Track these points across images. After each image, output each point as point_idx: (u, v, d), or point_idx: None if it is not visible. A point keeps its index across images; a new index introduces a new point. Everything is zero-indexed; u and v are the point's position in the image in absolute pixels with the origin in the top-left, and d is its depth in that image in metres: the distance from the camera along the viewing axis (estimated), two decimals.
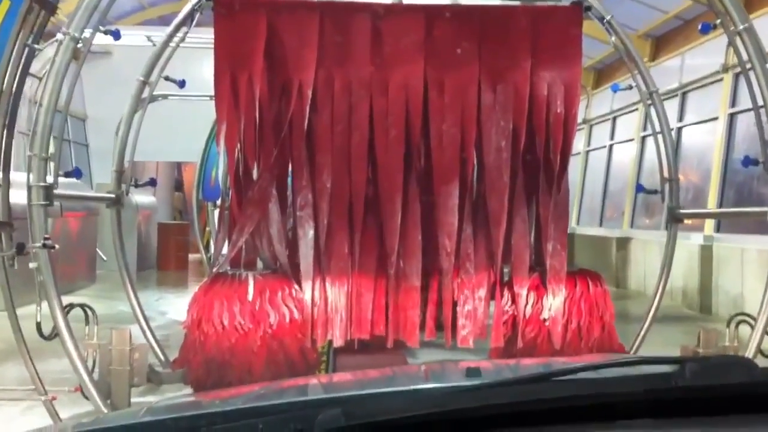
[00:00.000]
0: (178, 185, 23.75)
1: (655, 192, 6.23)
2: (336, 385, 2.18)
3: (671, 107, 12.26)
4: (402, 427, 1.34)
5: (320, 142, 5.17)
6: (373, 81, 5.17)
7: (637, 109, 14.95)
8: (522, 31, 5.24)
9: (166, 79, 6.04)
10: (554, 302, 5.10)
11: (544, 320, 5.11)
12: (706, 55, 12.35)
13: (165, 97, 11.48)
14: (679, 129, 13.17)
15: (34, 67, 7.95)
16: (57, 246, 4.57)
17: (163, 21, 17.08)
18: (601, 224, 17.23)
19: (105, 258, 13.07)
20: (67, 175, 5.37)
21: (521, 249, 5.25)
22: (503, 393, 1.42)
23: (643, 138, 14.69)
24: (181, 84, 6.27)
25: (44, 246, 4.42)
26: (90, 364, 4.67)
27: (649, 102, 5.84)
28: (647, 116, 14.51)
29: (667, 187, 5.80)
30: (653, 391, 1.44)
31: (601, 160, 17.79)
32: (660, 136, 5.84)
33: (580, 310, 5.11)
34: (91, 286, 13.25)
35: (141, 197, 15.78)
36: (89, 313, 4.79)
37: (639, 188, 8.96)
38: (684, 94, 13.46)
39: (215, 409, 1.60)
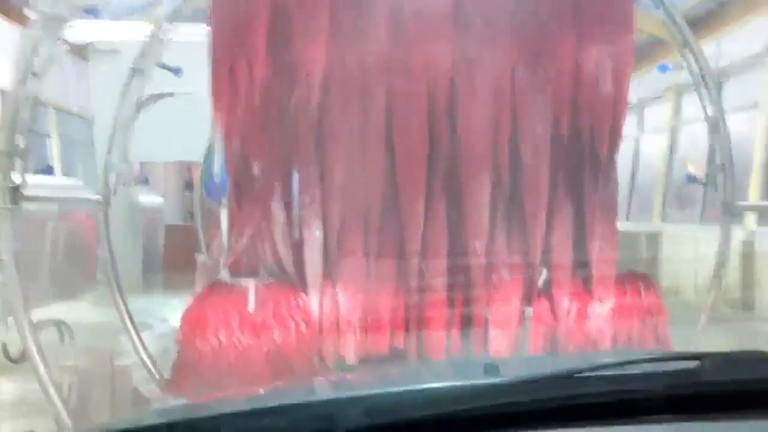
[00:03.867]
0: (189, 185, 23.19)
1: (706, 184, 5.62)
2: (356, 383, 2.13)
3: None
4: (423, 424, 1.35)
5: (331, 132, 4.52)
6: (392, 61, 4.51)
7: (666, 98, 14.25)
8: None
9: (161, 66, 5.50)
10: (601, 311, 4.45)
11: (589, 332, 4.48)
12: (745, 39, 11.74)
13: (171, 94, 11.07)
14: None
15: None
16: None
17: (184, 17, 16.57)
18: (627, 218, 16.61)
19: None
20: (37, 172, 4.82)
21: (562, 250, 4.59)
22: (524, 391, 1.43)
23: (673, 129, 14.07)
24: (177, 71, 5.71)
25: None
26: (66, 389, 4.08)
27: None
28: (676, 106, 14.03)
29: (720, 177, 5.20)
30: (674, 387, 1.45)
31: (626, 153, 17.15)
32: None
33: (631, 321, 4.46)
34: (92, 291, 12.70)
35: (147, 198, 15.25)
36: (64, 331, 4.19)
37: (690, 178, 8.32)
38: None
39: (233, 409, 1.52)
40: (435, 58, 4.49)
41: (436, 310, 4.53)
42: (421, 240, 4.51)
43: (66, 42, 6.96)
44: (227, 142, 4.52)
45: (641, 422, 1.41)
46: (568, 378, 1.49)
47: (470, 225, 4.55)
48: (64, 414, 3.93)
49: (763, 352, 1.57)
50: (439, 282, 4.55)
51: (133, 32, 5.46)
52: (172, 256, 16.79)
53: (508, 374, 1.63)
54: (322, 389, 1.85)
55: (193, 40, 5.15)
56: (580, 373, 1.51)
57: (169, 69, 5.70)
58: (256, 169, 4.49)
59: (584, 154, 4.58)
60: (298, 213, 4.57)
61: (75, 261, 12.28)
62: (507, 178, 4.58)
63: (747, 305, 10.88)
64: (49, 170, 8.12)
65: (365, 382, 2.08)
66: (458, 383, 1.55)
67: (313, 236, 4.50)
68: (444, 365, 2.37)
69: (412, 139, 4.50)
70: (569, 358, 2.56)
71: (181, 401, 3.67)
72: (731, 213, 5.28)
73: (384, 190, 4.56)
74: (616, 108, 4.56)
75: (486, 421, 1.38)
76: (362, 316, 4.49)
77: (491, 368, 1.69)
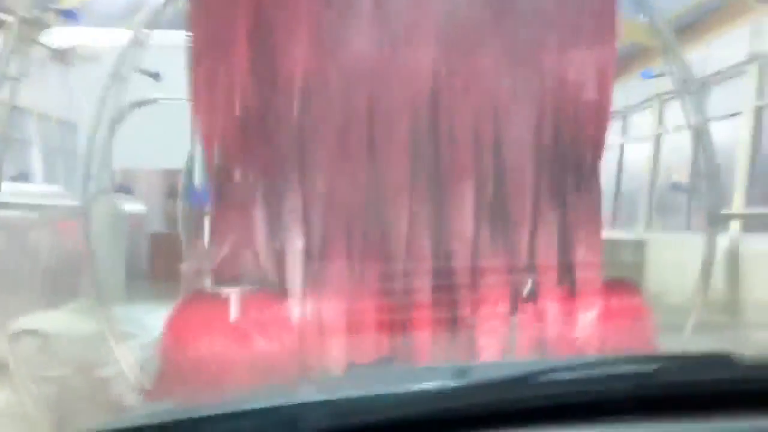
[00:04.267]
0: (173, 193, 23.02)
1: (690, 191, 5.60)
2: (322, 386, 2.11)
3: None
4: (389, 427, 1.35)
5: (312, 138, 4.47)
6: (374, 67, 4.46)
7: (650, 106, 14.23)
8: (547, 5, 4.53)
9: (140, 72, 5.43)
10: (587, 318, 4.42)
11: (575, 339, 4.44)
12: (729, 45, 11.71)
13: (154, 100, 11.03)
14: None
15: (11, 70, 7.37)
16: None
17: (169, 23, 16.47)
18: (612, 226, 16.54)
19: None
20: (14, 179, 4.74)
21: (547, 257, 4.55)
22: (487, 393, 1.46)
23: (658, 136, 14.03)
24: (155, 76, 5.64)
25: None
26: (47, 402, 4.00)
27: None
28: (660, 114, 14.02)
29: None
30: (636, 388, 1.47)
31: (610, 160, 17.10)
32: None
33: (617, 327, 4.43)
34: (76, 299, 12.56)
35: (131, 206, 15.13)
36: (43, 342, 4.11)
37: (675, 186, 8.29)
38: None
39: (198, 413, 1.49)
40: (417, 64, 4.45)
41: (421, 314, 4.47)
42: (405, 245, 4.45)
43: (47, 48, 6.90)
44: (207, 148, 4.47)
45: (603, 423, 1.43)
46: (529, 381, 1.51)
47: (454, 231, 4.50)
48: (42, 425, 3.86)
49: (722, 354, 1.57)
50: (423, 287, 4.49)
51: (115, 38, 5.37)
52: (157, 265, 16.65)
53: (476, 378, 1.64)
54: (289, 392, 1.79)
55: (174, 45, 5.10)
56: (542, 375, 1.52)
57: (148, 74, 5.61)
58: (236, 175, 4.43)
59: (568, 161, 4.54)
60: (280, 220, 4.51)
61: (59, 270, 12.15)
62: (490, 183, 4.54)
63: (732, 312, 10.82)
64: (24, 177, 8.02)
65: (333, 386, 2.09)
66: (425, 385, 1.55)
67: (295, 243, 4.44)
68: (413, 369, 2.36)
69: (394, 146, 4.45)
70: (539, 362, 2.51)
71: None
72: (715, 222, 5.26)
73: (367, 197, 4.50)
74: (599, 115, 4.54)
75: (449, 424, 1.39)
76: (346, 322, 4.43)
77: (460, 372, 1.70)
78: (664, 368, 1.50)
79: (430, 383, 1.56)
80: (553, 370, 1.55)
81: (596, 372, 1.56)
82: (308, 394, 1.70)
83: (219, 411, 1.49)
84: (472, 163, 4.50)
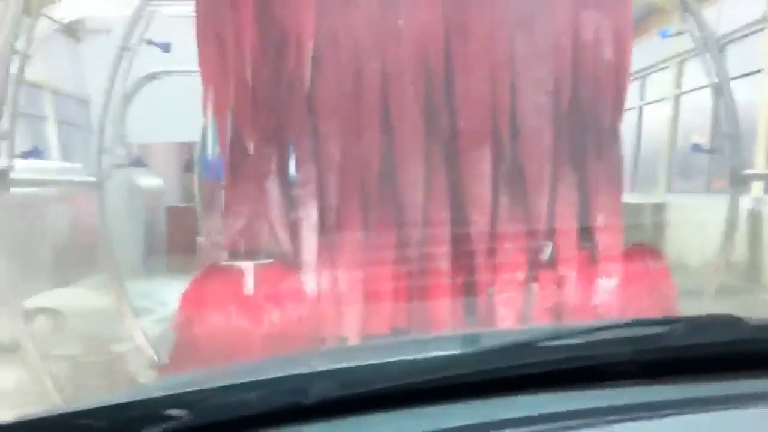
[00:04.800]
0: (189, 166, 22.95)
1: (712, 151, 5.46)
2: (330, 356, 2.08)
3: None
4: (397, 395, 1.36)
5: (324, 105, 4.38)
6: (385, 29, 4.36)
7: (668, 67, 14.00)
8: None
9: (149, 43, 5.33)
10: (608, 284, 4.33)
11: (595, 306, 4.36)
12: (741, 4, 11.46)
13: (168, 73, 10.91)
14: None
15: (21, 45, 7.30)
16: None
17: None
18: (632, 189, 16.37)
19: None
20: (24, 155, 4.68)
21: (567, 223, 4.45)
22: (493, 360, 1.45)
23: (677, 97, 13.81)
24: (165, 48, 5.53)
25: None
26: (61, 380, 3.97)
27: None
28: (679, 75, 13.80)
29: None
30: (641, 352, 1.47)
31: (629, 122, 16.87)
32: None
33: (638, 294, 4.34)
34: (94, 274, 12.58)
35: (147, 180, 15.10)
36: (57, 320, 4.07)
37: (696, 148, 8.14)
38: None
39: (204, 385, 1.46)
40: (429, 25, 4.34)
41: (439, 286, 4.40)
42: (422, 212, 4.38)
43: (53, 20, 6.79)
44: (219, 119, 4.39)
45: (610, 387, 1.44)
46: (536, 345, 1.50)
47: (471, 197, 4.42)
48: (57, 403, 3.83)
49: (728, 315, 1.55)
50: (440, 254, 4.42)
51: (125, 9, 5.27)
52: (174, 239, 16.65)
53: (483, 344, 1.64)
54: (296, 362, 1.79)
55: (186, 14, 5.01)
56: (549, 340, 1.52)
57: (157, 45, 5.51)
58: (250, 147, 4.36)
59: (587, 124, 4.44)
60: (294, 191, 4.44)
61: (76, 245, 12.17)
62: (508, 148, 4.44)
63: (754, 275, 10.66)
64: (36, 153, 7.96)
65: (341, 355, 2.09)
66: (431, 354, 1.54)
67: (308, 215, 4.37)
68: (422, 338, 2.37)
69: (408, 111, 4.36)
70: (546, 328, 2.52)
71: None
72: (739, 182, 5.14)
73: (381, 164, 4.42)
74: (618, 76, 4.42)
75: (456, 390, 1.39)
76: (362, 292, 4.36)
77: (467, 339, 1.73)
78: (670, 331, 1.49)
79: (437, 351, 1.55)
80: (559, 335, 1.57)
81: (602, 336, 1.55)
82: (315, 363, 1.68)
83: (226, 382, 1.46)
84: (488, 127, 4.40)
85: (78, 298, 7.33)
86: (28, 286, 6.06)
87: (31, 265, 7.70)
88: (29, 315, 3.95)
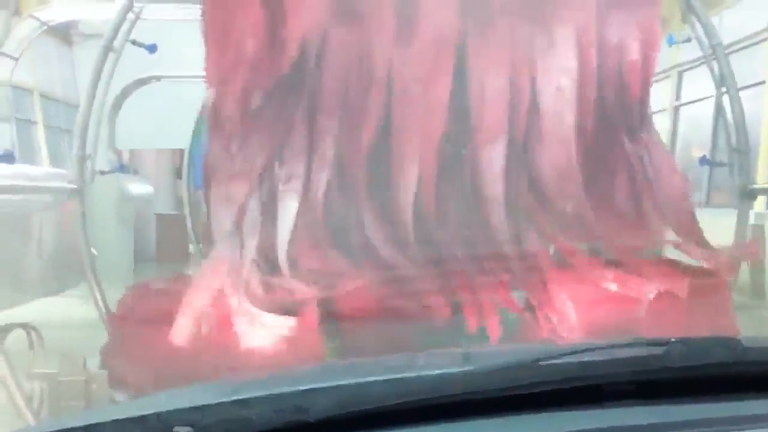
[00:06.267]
0: (179, 172, 22.76)
1: (728, 165, 5.24)
2: (329, 373, 2.00)
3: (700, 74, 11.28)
4: (395, 413, 1.38)
5: (326, 104, 4.19)
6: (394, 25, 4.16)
7: (669, 76, 13.83)
8: None
9: (133, 43, 5.12)
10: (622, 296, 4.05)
11: (611, 318, 4.09)
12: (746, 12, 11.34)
13: (158, 79, 10.76)
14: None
15: (9, 47, 7.04)
16: None
17: None
18: None
19: (96, 252, 12.14)
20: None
21: (587, 231, 4.25)
22: (492, 379, 1.47)
23: (676, 108, 13.67)
24: (151, 49, 5.32)
25: None
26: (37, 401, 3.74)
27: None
28: (679, 84, 13.62)
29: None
30: (640, 372, 1.50)
31: None
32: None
33: (654, 308, 4.04)
34: (81, 284, 12.35)
35: (137, 186, 14.90)
36: (33, 335, 3.85)
37: (704, 161, 7.96)
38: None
39: (203, 402, 1.44)
40: (441, 27, 4.15)
41: (449, 295, 4.14)
42: (433, 212, 4.17)
43: (45, 23, 6.57)
44: (219, 118, 4.20)
45: (608, 407, 1.45)
46: (535, 365, 1.51)
47: (485, 202, 4.23)
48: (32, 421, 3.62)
49: (725, 337, 1.57)
50: (449, 262, 4.20)
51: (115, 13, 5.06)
52: (164, 246, 16.45)
53: (482, 363, 1.64)
54: (294, 379, 1.78)
55: (182, 20, 4.84)
56: (547, 360, 1.53)
57: (142, 46, 5.30)
58: (233, 148, 4.16)
59: (610, 128, 4.24)
60: (281, 189, 4.23)
61: (61, 254, 11.94)
62: (525, 148, 4.25)
63: (757, 292, 10.49)
64: (8, 157, 7.74)
65: (338, 372, 2.01)
66: (431, 372, 1.55)
67: (285, 212, 4.16)
68: (419, 355, 2.24)
69: (412, 111, 4.17)
70: (545, 347, 2.43)
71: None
72: (748, 197, 4.96)
73: (380, 163, 4.24)
74: (644, 77, 4.23)
75: (456, 409, 1.41)
76: (351, 300, 4.08)
77: (470, 358, 1.74)
78: (670, 352, 1.50)
79: (439, 369, 1.55)
80: (557, 354, 1.57)
81: (601, 356, 1.57)
82: (314, 380, 1.67)
83: (229, 398, 1.45)
84: (506, 125, 4.21)
85: (57, 309, 7.14)
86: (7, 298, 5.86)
87: (11, 277, 7.49)
88: (3, 330, 3.73)
